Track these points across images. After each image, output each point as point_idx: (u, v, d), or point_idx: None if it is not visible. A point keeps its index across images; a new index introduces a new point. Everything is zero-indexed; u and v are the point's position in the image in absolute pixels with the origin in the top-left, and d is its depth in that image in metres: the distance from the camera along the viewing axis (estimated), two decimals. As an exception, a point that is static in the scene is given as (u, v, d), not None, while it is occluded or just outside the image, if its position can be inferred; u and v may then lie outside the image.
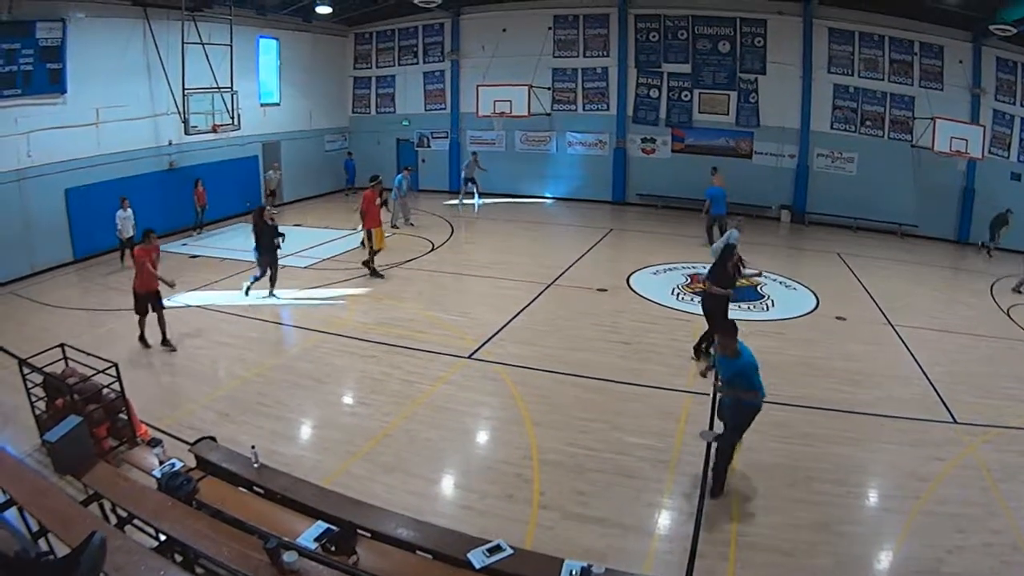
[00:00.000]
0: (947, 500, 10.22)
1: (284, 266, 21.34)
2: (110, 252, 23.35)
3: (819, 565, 8.77)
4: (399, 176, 28.61)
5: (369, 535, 7.38)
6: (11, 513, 7.71)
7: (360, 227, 22.33)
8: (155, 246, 15.68)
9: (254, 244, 19.23)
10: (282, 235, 19.46)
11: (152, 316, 15.64)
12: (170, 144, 26.54)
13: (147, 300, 15.50)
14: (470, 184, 33.73)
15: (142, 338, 15.68)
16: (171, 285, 15.60)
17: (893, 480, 10.99)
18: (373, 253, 21.35)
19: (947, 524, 9.57)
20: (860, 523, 9.78)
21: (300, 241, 25.54)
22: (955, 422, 12.89)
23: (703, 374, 11.36)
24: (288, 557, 6.45)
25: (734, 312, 17.23)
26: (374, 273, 21.32)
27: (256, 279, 19.27)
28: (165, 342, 15.60)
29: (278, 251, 19.45)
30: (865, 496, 10.64)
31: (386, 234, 22.45)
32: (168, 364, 14.81)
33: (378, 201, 21.72)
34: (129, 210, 22.20)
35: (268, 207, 20.14)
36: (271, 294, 19.37)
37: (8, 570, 4.29)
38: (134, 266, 15.51)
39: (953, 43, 28.64)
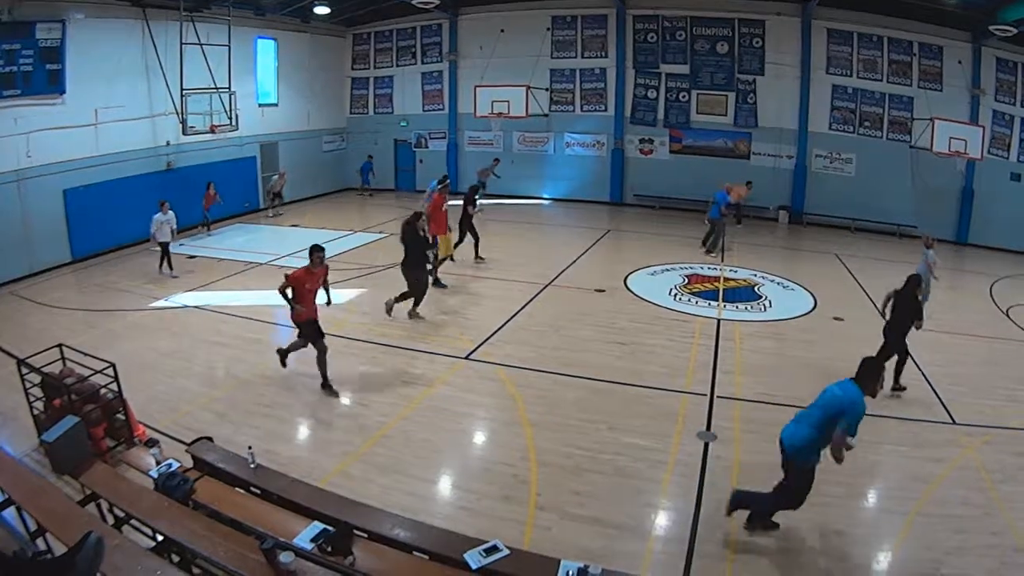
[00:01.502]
0: (946, 501, 10.22)
1: (281, 267, 21.34)
2: (108, 252, 23.39)
3: (817, 566, 8.77)
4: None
5: (365, 536, 7.37)
6: (9, 512, 7.72)
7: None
8: (324, 267, 13.65)
9: (403, 258, 17.50)
10: (433, 247, 18.71)
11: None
12: (168, 145, 26.55)
13: (312, 329, 13.45)
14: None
15: (283, 361, 14.20)
16: (299, 312, 13.23)
17: (892, 481, 11.02)
18: (438, 261, 20.47)
19: (946, 525, 9.57)
20: (859, 524, 9.76)
21: (298, 242, 25.50)
22: (954, 423, 12.91)
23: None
24: (284, 557, 6.43)
25: (730, 313, 17.27)
26: (436, 283, 20.32)
27: (416, 303, 17.80)
28: (326, 385, 13.67)
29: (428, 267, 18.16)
30: (864, 497, 10.62)
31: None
32: (166, 365, 14.75)
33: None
34: (170, 213, 21.54)
35: (421, 213, 18.45)
36: (415, 313, 17.89)
37: (5, 569, 4.28)
38: (294, 289, 13.08)
39: (952, 43, 28.67)
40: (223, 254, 23.45)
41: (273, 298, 18.36)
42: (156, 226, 21.22)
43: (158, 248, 21.53)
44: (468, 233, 22.79)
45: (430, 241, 18.04)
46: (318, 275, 13.42)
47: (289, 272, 13.35)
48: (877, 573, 8.91)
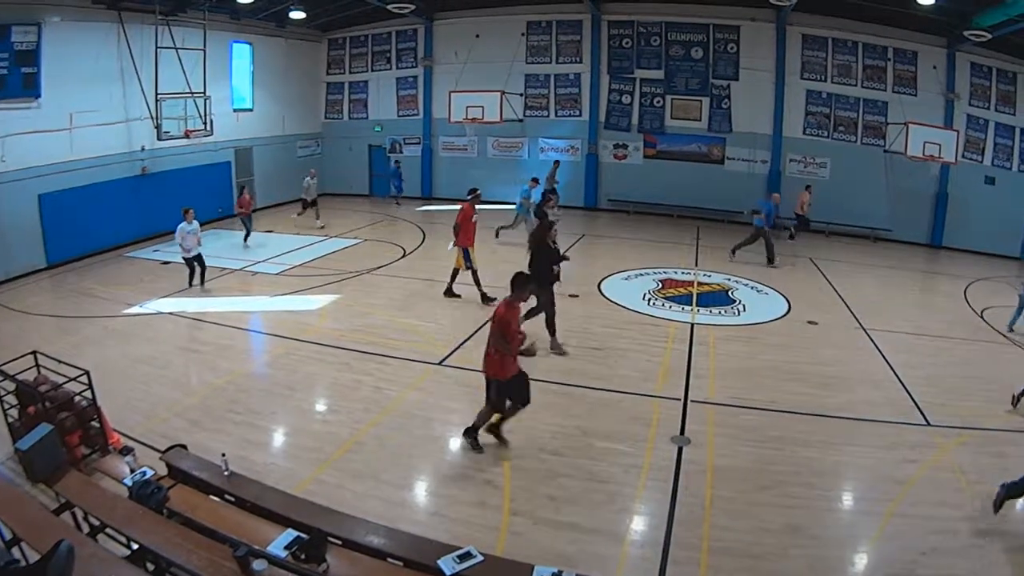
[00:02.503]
0: (921, 502, 10.30)
1: (256, 273, 21.31)
2: (83, 258, 23.26)
3: (792, 569, 8.81)
4: (525, 187, 27.34)
5: (339, 543, 7.37)
6: (-18, 522, 7.69)
7: (452, 244, 19.80)
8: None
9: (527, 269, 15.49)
10: (566, 258, 16.92)
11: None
12: (143, 149, 26.39)
13: (517, 386, 11.38)
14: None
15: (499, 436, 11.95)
16: (532, 353, 11.31)
17: (867, 483, 11.10)
18: (457, 273, 19.76)
19: (922, 526, 9.65)
20: (833, 526, 9.86)
21: (272, 247, 25.52)
22: (929, 425, 13.00)
23: None
24: (258, 565, 6.43)
25: (705, 316, 17.28)
26: (450, 292, 19.94)
27: (551, 329, 16.15)
28: (469, 433, 11.74)
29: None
30: (838, 499, 10.74)
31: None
32: (140, 372, 14.66)
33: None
34: (195, 223, 20.25)
35: (554, 222, 17.15)
36: (553, 340, 16.14)
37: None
38: (497, 328, 11.14)
39: (927, 49, 28.89)
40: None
41: (246, 304, 18.45)
42: (181, 237, 19.98)
43: (181, 262, 20.71)
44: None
45: (561, 253, 16.69)
46: (518, 310, 11.84)
47: (494, 320, 11.38)
48: (852, 575, 8.98)
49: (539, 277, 15.10)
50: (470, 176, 34.93)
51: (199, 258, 20.15)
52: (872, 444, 12.26)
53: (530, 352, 11.06)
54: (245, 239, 26.51)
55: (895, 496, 10.44)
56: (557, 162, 32.89)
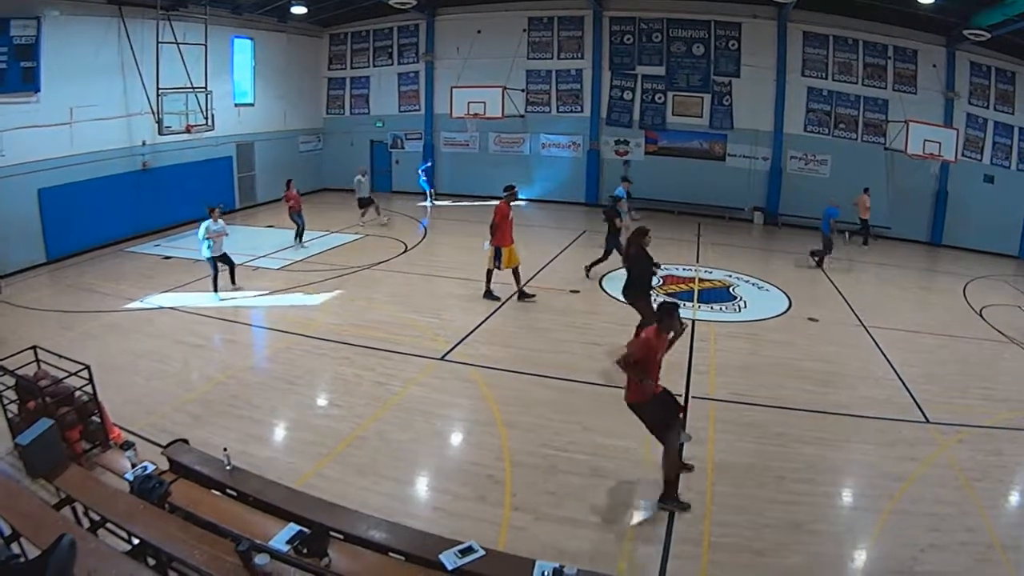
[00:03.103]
0: (921, 499, 10.31)
1: (256, 268, 21.28)
2: (83, 253, 23.25)
3: (792, 565, 8.83)
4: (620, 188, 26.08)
5: (341, 537, 7.37)
6: (-18, 517, 7.68)
7: (488, 243, 19.26)
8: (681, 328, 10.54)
9: (626, 281, 15.76)
10: (658, 265, 15.88)
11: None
12: (144, 144, 26.40)
13: (663, 412, 10.13)
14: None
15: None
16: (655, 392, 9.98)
17: (866, 479, 11.10)
18: (497, 273, 19.35)
19: (921, 523, 9.66)
20: (833, 522, 9.87)
21: (273, 242, 25.50)
22: (928, 422, 13.01)
23: None
24: (260, 559, 6.43)
25: (705, 313, 17.21)
26: (489, 294, 19.52)
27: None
28: (667, 499, 10.10)
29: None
30: (838, 496, 10.73)
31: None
32: (141, 367, 14.66)
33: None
34: (220, 221, 19.50)
35: (648, 232, 15.75)
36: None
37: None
38: (637, 355, 10.02)
39: (927, 47, 28.90)
40: (198, 255, 23.30)
41: (247, 299, 18.43)
42: (211, 236, 19.18)
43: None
44: (616, 250, 21.08)
45: (654, 260, 15.65)
46: (666, 340, 10.30)
47: (634, 341, 11.05)
48: (852, 571, 8.98)
49: (635, 286, 15.24)
50: (471, 172, 35.14)
51: (225, 257, 19.67)
52: (872, 441, 12.27)
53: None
54: (298, 236, 26.00)
55: (895, 493, 10.45)
56: (626, 161, 33.32)
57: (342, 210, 30.72)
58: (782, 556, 8.97)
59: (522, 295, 19.51)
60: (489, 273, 19.45)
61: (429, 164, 36.25)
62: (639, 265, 15.36)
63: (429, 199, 35.43)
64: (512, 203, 19.41)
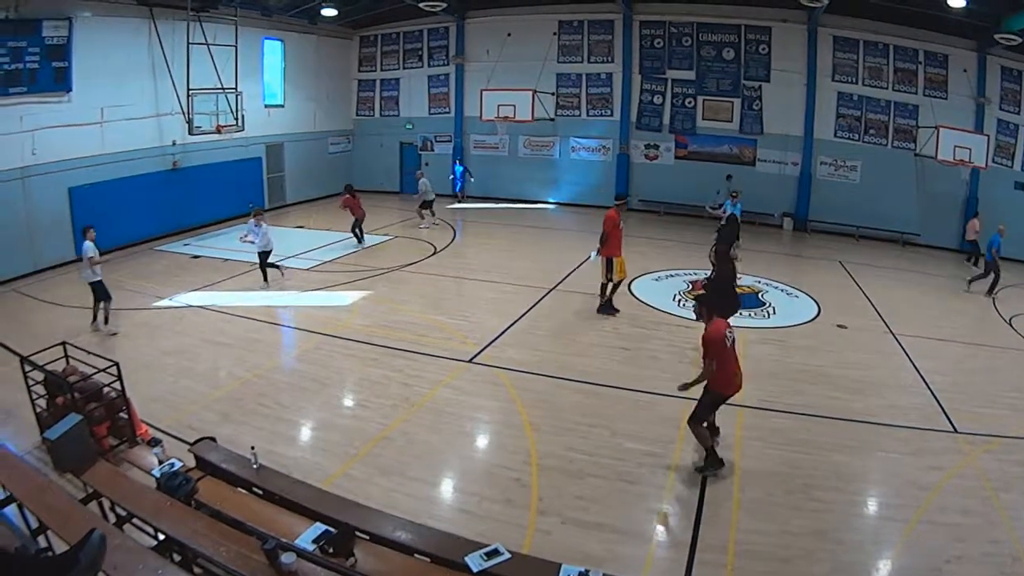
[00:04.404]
0: (947, 509, 10.19)
1: (286, 268, 21.34)
2: (113, 251, 23.38)
3: (817, 573, 8.76)
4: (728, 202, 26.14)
5: (367, 537, 7.38)
6: (11, 510, 7.73)
7: (595, 253, 18.59)
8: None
9: (712, 293, 15.29)
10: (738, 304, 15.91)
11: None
12: (174, 144, 26.64)
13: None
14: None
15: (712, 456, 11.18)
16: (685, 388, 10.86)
17: (892, 488, 10.99)
18: (609, 285, 18.68)
19: (946, 533, 9.55)
20: (858, 531, 9.76)
21: (302, 243, 25.61)
22: (956, 431, 12.86)
23: None
24: (286, 558, 6.45)
25: (734, 318, 17.03)
26: (608, 307, 18.74)
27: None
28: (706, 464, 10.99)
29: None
30: (864, 504, 10.63)
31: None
32: (170, 364, 14.77)
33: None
34: (264, 224, 20.44)
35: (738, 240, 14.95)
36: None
37: (8, 565, 4.30)
38: (708, 357, 10.62)
39: (958, 52, 28.66)
40: (227, 255, 23.42)
41: (276, 299, 18.50)
42: (257, 238, 20.36)
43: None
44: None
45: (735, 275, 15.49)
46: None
47: (705, 336, 10.74)
48: (877, 580, 8.88)
49: (724, 297, 15.08)
50: (501, 174, 35.07)
51: (260, 254, 20.35)
52: (898, 450, 12.17)
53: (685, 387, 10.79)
54: (359, 239, 26.27)
55: (921, 503, 10.36)
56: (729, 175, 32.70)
57: (372, 211, 30.76)
58: (807, 564, 8.91)
59: (606, 307, 18.82)
60: (604, 287, 18.76)
61: (460, 163, 36.57)
62: (721, 277, 15.62)
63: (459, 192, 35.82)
64: (622, 212, 18.72)
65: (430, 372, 14.76)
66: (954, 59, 28.89)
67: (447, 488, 10.81)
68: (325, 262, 23.53)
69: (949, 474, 11.24)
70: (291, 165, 34.40)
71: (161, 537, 7.58)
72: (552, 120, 35.35)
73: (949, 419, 13.34)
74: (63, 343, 11.69)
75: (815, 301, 20.70)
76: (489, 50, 35.65)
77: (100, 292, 16.71)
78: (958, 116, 28.70)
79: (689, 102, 33.46)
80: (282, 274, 20.96)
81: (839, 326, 18.70)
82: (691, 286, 21.37)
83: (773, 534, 9.49)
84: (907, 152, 30.18)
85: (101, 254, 16.77)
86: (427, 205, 29.56)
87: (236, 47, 27.88)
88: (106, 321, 16.84)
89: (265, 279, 20.58)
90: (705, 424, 11.21)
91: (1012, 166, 28.46)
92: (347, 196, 26.02)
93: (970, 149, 27.38)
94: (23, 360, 11.22)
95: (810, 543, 9.32)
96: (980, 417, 13.46)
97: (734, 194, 26.15)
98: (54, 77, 21.74)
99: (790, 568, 8.82)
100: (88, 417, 9.60)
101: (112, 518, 8.27)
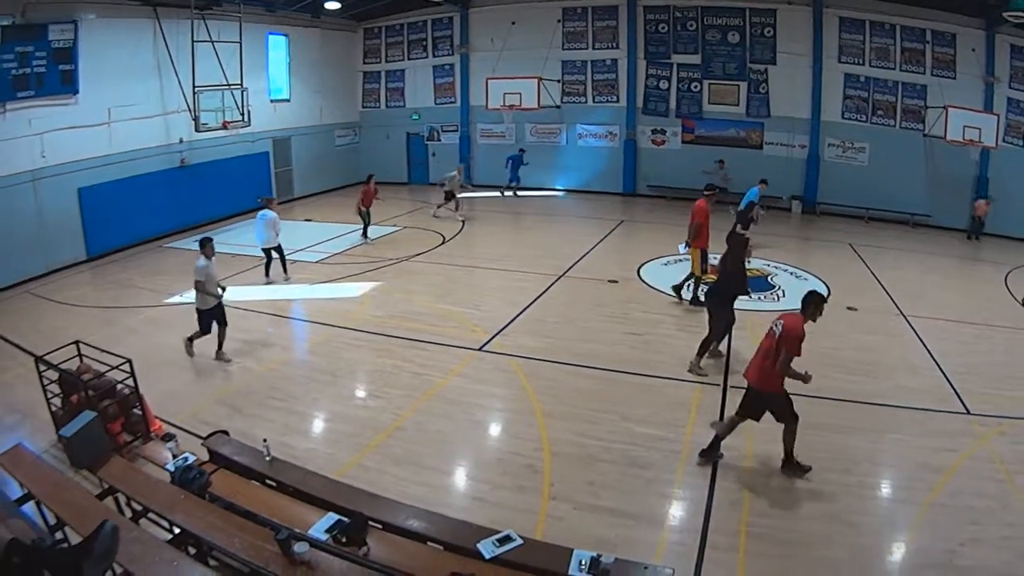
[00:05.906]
0: (960, 492, 10.18)
1: (294, 261, 21.36)
2: (124, 249, 23.52)
3: (829, 556, 8.79)
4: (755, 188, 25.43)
5: (380, 526, 7.45)
6: (28, 507, 7.81)
7: (685, 244, 18.26)
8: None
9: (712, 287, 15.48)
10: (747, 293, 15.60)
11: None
12: (181, 142, 26.71)
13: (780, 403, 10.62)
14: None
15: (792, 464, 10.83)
16: (806, 380, 10.13)
17: (905, 471, 10.98)
18: (695, 278, 18.45)
19: (960, 516, 9.55)
20: (871, 514, 9.78)
21: (311, 236, 25.64)
22: (969, 413, 12.85)
23: None
24: (299, 548, 6.51)
25: (744, 302, 16.90)
26: (697, 300, 18.14)
27: (703, 350, 14.50)
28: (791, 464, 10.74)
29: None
30: (876, 487, 10.63)
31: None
32: (182, 360, 14.85)
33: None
34: (272, 213, 19.97)
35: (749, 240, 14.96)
36: (714, 351, 15.16)
37: (25, 556, 4.37)
38: (789, 344, 10.05)
39: (966, 31, 28.44)
40: (237, 249, 23.45)
41: (285, 292, 18.54)
42: (266, 228, 19.84)
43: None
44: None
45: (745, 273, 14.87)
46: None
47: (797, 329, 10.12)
48: (890, 564, 8.90)
49: (723, 293, 14.75)
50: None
51: (279, 248, 20.19)
52: (911, 432, 12.15)
53: (806, 379, 10.19)
54: (364, 233, 26.14)
55: (934, 485, 10.35)
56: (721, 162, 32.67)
57: (380, 202, 30.77)
58: (820, 547, 8.93)
59: (695, 300, 18.34)
60: (697, 280, 18.45)
61: (521, 152, 35.29)
62: (735, 271, 14.68)
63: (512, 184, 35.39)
64: (712, 203, 18.26)
65: (441, 361, 14.81)
66: (962, 38, 28.69)
67: (459, 476, 10.87)
68: (335, 254, 23.64)
69: (962, 456, 11.22)
70: (298, 159, 34.48)
71: (176, 530, 7.65)
72: (558, 107, 35.43)
73: (962, 401, 13.32)
74: (76, 342, 11.76)
75: (825, 283, 20.61)
76: (494, 39, 35.60)
77: (218, 317, 15.05)
78: (967, 96, 28.52)
79: (695, 86, 33.39)
80: (286, 276, 20.68)
81: (849, 308, 18.64)
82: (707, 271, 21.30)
83: (785, 517, 9.56)
84: (916, 133, 30.01)
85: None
86: (451, 197, 29.43)
87: (240, 43, 27.94)
88: (219, 347, 15.27)
89: (269, 273, 20.48)
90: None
91: (1023, 145, 28.30)
92: (367, 186, 25.92)
93: (979, 129, 27.24)
94: (38, 360, 11.30)
95: (822, 526, 9.35)
96: (993, 399, 13.41)
97: (763, 182, 25.85)
98: (61, 80, 21.80)
99: (802, 551, 8.86)
100: (102, 414, 9.70)
101: (128, 512, 8.36)
